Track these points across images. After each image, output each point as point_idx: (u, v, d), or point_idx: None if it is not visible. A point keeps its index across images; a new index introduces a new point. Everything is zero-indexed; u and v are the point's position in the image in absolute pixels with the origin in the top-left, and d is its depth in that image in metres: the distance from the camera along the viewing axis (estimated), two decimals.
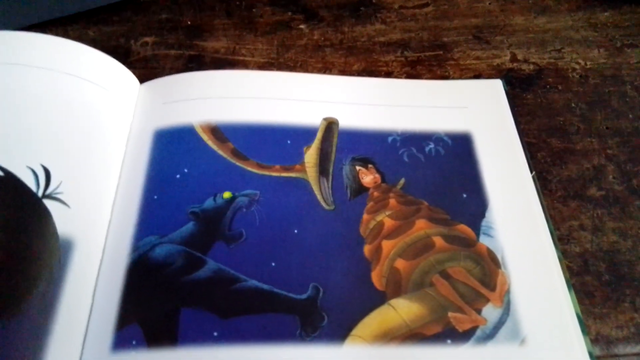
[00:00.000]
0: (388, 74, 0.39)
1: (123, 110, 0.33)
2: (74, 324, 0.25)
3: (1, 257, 0.25)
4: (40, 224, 0.26)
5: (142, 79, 0.36)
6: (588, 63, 0.40)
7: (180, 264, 0.27)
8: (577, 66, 0.40)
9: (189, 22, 0.42)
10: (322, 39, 0.41)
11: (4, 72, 0.30)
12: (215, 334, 0.25)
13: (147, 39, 0.41)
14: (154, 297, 0.26)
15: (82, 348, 0.25)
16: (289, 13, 0.43)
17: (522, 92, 0.38)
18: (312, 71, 0.39)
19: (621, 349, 0.28)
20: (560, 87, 0.39)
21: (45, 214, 0.26)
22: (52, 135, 0.29)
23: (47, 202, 0.27)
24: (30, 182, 0.27)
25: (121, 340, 0.25)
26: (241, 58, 0.40)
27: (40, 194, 0.27)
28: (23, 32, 0.31)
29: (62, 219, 0.27)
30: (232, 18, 0.42)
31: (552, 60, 0.40)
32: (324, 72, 0.39)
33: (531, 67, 0.40)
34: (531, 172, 0.33)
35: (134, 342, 0.25)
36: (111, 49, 0.40)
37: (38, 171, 0.27)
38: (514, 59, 0.40)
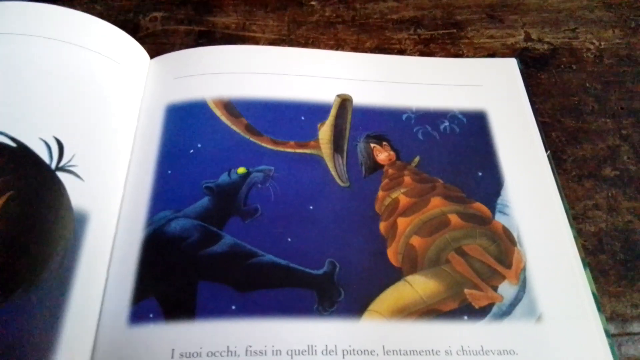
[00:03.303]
0: (401, 52, 0.38)
1: (134, 84, 0.32)
2: (90, 297, 0.25)
3: (16, 229, 0.24)
4: (54, 196, 0.26)
5: (152, 54, 0.35)
6: (602, 43, 0.40)
7: (196, 238, 0.27)
8: (591, 46, 0.40)
9: None
10: (334, 15, 0.40)
11: (15, 43, 0.29)
12: (233, 307, 0.25)
13: (156, 14, 0.40)
14: (170, 270, 0.26)
15: (99, 321, 0.25)
16: None
17: (536, 72, 0.38)
18: (323, 48, 0.38)
19: (636, 327, 0.28)
20: (574, 67, 0.38)
21: (59, 186, 0.26)
22: (64, 107, 0.28)
23: (61, 175, 0.26)
24: (43, 154, 0.26)
25: (138, 314, 0.25)
26: (252, 34, 0.39)
27: (53, 166, 0.26)
28: (32, 3, 0.31)
29: (76, 192, 0.26)
30: None
31: (566, 40, 0.40)
32: (336, 49, 0.38)
33: (545, 46, 0.39)
34: (546, 151, 0.33)
35: (151, 315, 0.24)
36: (119, 23, 0.39)
37: (51, 143, 0.27)
38: (528, 38, 0.40)
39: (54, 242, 0.25)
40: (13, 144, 0.26)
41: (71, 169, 0.27)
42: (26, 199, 0.25)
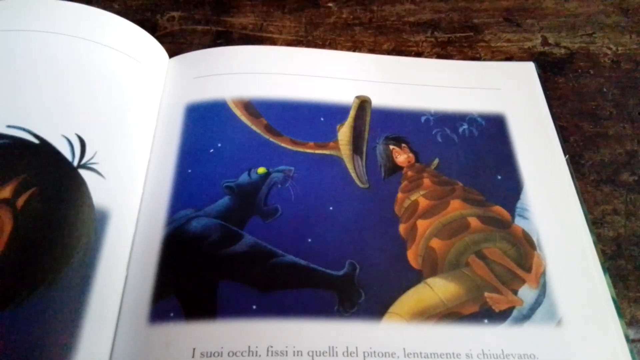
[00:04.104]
0: (418, 54, 0.38)
1: (153, 82, 0.32)
2: (110, 295, 0.25)
3: (39, 226, 0.24)
4: (76, 193, 0.26)
5: (170, 53, 0.36)
6: (619, 48, 0.40)
7: (217, 238, 0.27)
8: (608, 51, 0.40)
9: None
10: (351, 17, 0.40)
11: (37, 41, 0.29)
12: (254, 307, 0.25)
13: (174, 13, 0.40)
14: (191, 269, 0.26)
15: (118, 319, 0.25)
16: None
17: (553, 76, 0.38)
18: (341, 50, 0.38)
19: None
20: (591, 72, 0.38)
21: (81, 183, 0.26)
22: (85, 105, 0.28)
23: (83, 172, 0.26)
24: (65, 151, 0.27)
25: (158, 312, 0.25)
26: (269, 35, 0.39)
27: (75, 163, 0.26)
28: (61, 1, 0.31)
29: (97, 189, 0.26)
30: None
31: (583, 45, 0.40)
32: (354, 51, 0.38)
33: (562, 51, 0.39)
34: (564, 155, 0.33)
35: (171, 314, 0.24)
36: (137, 23, 0.39)
37: (73, 140, 0.27)
38: (545, 42, 0.40)
39: (76, 239, 0.25)
40: (36, 141, 0.26)
41: (93, 166, 0.27)
42: (49, 195, 0.25)
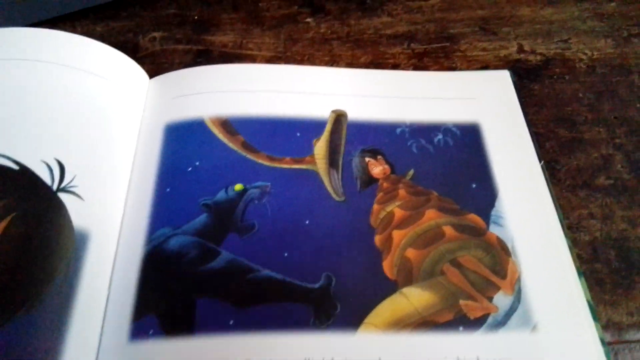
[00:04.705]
0: (395, 66, 0.39)
1: (133, 104, 0.33)
2: (92, 315, 0.25)
3: (19, 250, 0.25)
4: (55, 216, 0.26)
5: (151, 74, 0.36)
6: (595, 53, 0.40)
7: (194, 255, 0.27)
8: (584, 56, 0.40)
9: (197, 17, 0.42)
10: (329, 32, 0.41)
11: (17, 68, 0.30)
12: (231, 322, 0.25)
13: (155, 34, 0.41)
14: (169, 287, 0.26)
15: (100, 338, 0.25)
16: (295, 7, 0.43)
17: (529, 83, 0.38)
18: (319, 64, 0.39)
19: (632, 335, 0.28)
20: (567, 78, 0.39)
21: (60, 206, 0.27)
22: (64, 129, 0.29)
23: (62, 196, 0.27)
24: (45, 175, 0.27)
25: (138, 330, 0.25)
26: (249, 52, 0.40)
27: (55, 187, 0.27)
28: (33, 29, 0.32)
29: (77, 212, 0.27)
30: (239, 12, 0.43)
31: (559, 51, 0.40)
32: (331, 65, 0.39)
33: (538, 57, 0.40)
34: (540, 161, 0.33)
35: (151, 332, 0.25)
36: (119, 44, 0.40)
37: (52, 165, 0.28)
38: (520, 50, 0.40)
39: (56, 261, 0.25)
40: (15, 167, 0.27)
41: (72, 189, 0.27)
42: (28, 220, 0.26)
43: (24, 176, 0.27)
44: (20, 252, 0.25)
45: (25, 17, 0.40)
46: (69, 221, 0.26)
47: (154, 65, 0.39)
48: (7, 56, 0.30)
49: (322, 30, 0.41)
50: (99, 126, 0.30)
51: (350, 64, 0.39)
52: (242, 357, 0.24)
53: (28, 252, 0.25)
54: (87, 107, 0.31)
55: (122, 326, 0.25)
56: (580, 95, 0.38)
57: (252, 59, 0.39)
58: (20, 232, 0.25)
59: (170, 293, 0.26)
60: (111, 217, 0.28)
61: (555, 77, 0.39)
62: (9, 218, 0.25)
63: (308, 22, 0.42)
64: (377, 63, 0.39)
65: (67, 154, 0.28)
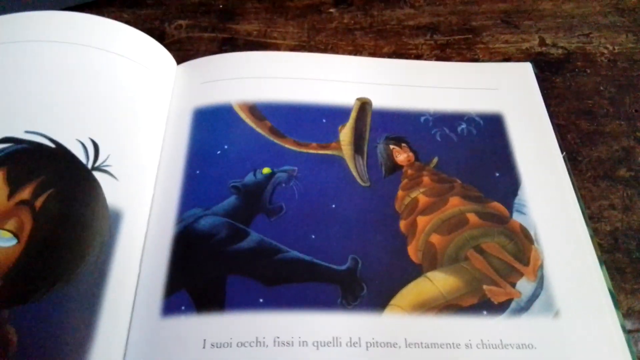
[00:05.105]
0: (418, 57, 0.39)
1: (162, 88, 0.34)
2: (124, 290, 0.26)
3: (56, 225, 0.26)
4: (91, 194, 0.27)
5: (178, 60, 0.37)
6: (616, 47, 0.41)
7: (224, 235, 0.28)
8: (605, 50, 0.40)
9: (221, 6, 0.43)
10: (352, 22, 0.42)
11: (56, 51, 0.31)
12: (260, 300, 0.26)
13: (181, 22, 0.41)
14: (201, 265, 0.27)
15: (132, 313, 0.26)
16: None
17: (551, 76, 0.39)
18: (342, 54, 0.40)
19: None
20: (588, 71, 0.39)
21: (96, 185, 0.27)
22: (98, 110, 0.30)
23: (97, 174, 0.28)
24: (80, 154, 0.28)
25: (170, 306, 0.26)
26: (273, 41, 0.40)
27: (90, 166, 0.28)
28: (70, 12, 0.32)
29: (111, 190, 0.28)
30: (263, 2, 0.43)
31: (580, 45, 0.41)
32: (355, 55, 0.39)
33: (559, 51, 0.40)
34: (562, 152, 0.33)
35: (182, 308, 0.26)
36: (146, 31, 0.40)
37: (87, 144, 0.28)
38: (542, 43, 0.41)
39: (91, 237, 0.26)
40: (52, 145, 0.28)
41: (106, 168, 0.28)
42: (65, 196, 0.26)
43: (61, 154, 0.27)
44: (57, 228, 0.26)
45: (55, 2, 0.40)
46: (104, 199, 0.27)
47: (181, 52, 0.39)
48: (43, 38, 0.31)
49: (345, 21, 0.42)
50: (131, 108, 0.31)
51: (373, 54, 0.39)
52: (272, 334, 0.25)
53: (65, 227, 0.26)
54: (118, 89, 0.31)
55: (154, 301, 0.26)
56: (602, 88, 0.38)
57: (276, 48, 0.40)
58: (58, 208, 0.26)
59: (202, 271, 0.27)
60: (143, 196, 0.29)
61: (576, 70, 0.39)
62: (46, 194, 0.26)
63: (331, 13, 0.42)
64: (400, 53, 0.40)
65: (100, 134, 0.29)
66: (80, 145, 0.28)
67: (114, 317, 0.25)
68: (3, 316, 0.23)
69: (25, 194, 0.26)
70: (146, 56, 0.34)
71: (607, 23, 0.42)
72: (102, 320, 0.25)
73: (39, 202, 0.26)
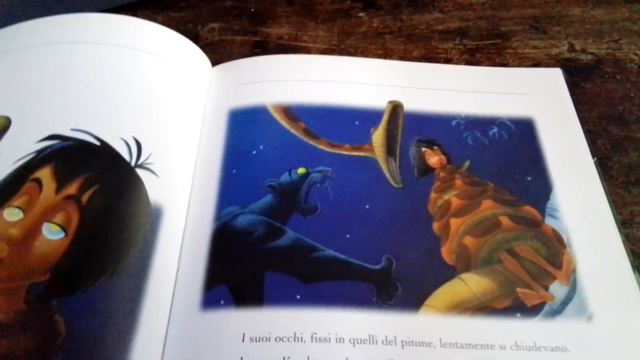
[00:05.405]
0: (447, 61, 0.40)
1: (198, 89, 0.34)
2: (164, 284, 0.27)
3: (102, 219, 0.26)
4: (134, 191, 0.28)
5: (211, 63, 0.38)
6: None
7: (261, 232, 0.28)
8: (635, 57, 0.40)
9: (253, 10, 0.43)
10: (382, 26, 0.42)
11: (99, 52, 0.32)
12: (297, 296, 0.26)
13: (214, 25, 0.42)
14: (239, 261, 0.28)
15: (171, 306, 0.26)
16: (348, 1, 0.44)
17: (580, 82, 0.39)
18: (372, 57, 0.40)
19: None
20: (618, 77, 0.39)
21: (139, 182, 0.28)
22: (139, 110, 0.31)
23: (139, 172, 0.28)
24: (123, 152, 0.29)
25: (210, 300, 0.26)
26: (304, 44, 0.41)
27: (133, 163, 0.29)
28: (114, 15, 0.33)
29: (152, 187, 0.28)
30: (294, 6, 0.44)
31: (609, 51, 0.41)
32: (384, 58, 0.40)
33: (589, 57, 0.40)
34: (593, 158, 0.34)
35: (222, 302, 0.26)
36: (180, 34, 0.41)
37: (130, 143, 0.29)
38: (571, 49, 0.41)
39: (134, 232, 0.27)
40: (97, 143, 0.29)
41: (148, 166, 0.29)
42: (110, 192, 0.27)
43: (105, 151, 0.28)
44: (102, 222, 0.26)
45: (91, 5, 0.41)
46: (146, 195, 0.28)
47: (214, 55, 0.40)
48: (86, 39, 0.32)
49: (374, 25, 0.42)
50: (169, 108, 0.32)
51: (403, 58, 0.40)
52: (309, 330, 0.25)
53: (110, 222, 0.27)
54: (157, 90, 0.32)
55: (194, 295, 0.27)
56: (632, 95, 0.38)
57: (306, 51, 0.41)
58: (103, 204, 0.27)
59: (240, 266, 0.27)
60: (182, 194, 0.30)
61: (606, 76, 0.39)
62: (92, 190, 0.27)
63: (361, 17, 0.43)
64: (429, 57, 0.40)
65: (143, 133, 0.30)
66: (123, 144, 0.29)
67: (155, 309, 0.26)
68: (52, 306, 0.24)
69: (72, 189, 0.27)
70: (183, 58, 0.34)
71: (637, 29, 0.42)
72: (143, 312, 0.25)
73: (85, 197, 0.27)
